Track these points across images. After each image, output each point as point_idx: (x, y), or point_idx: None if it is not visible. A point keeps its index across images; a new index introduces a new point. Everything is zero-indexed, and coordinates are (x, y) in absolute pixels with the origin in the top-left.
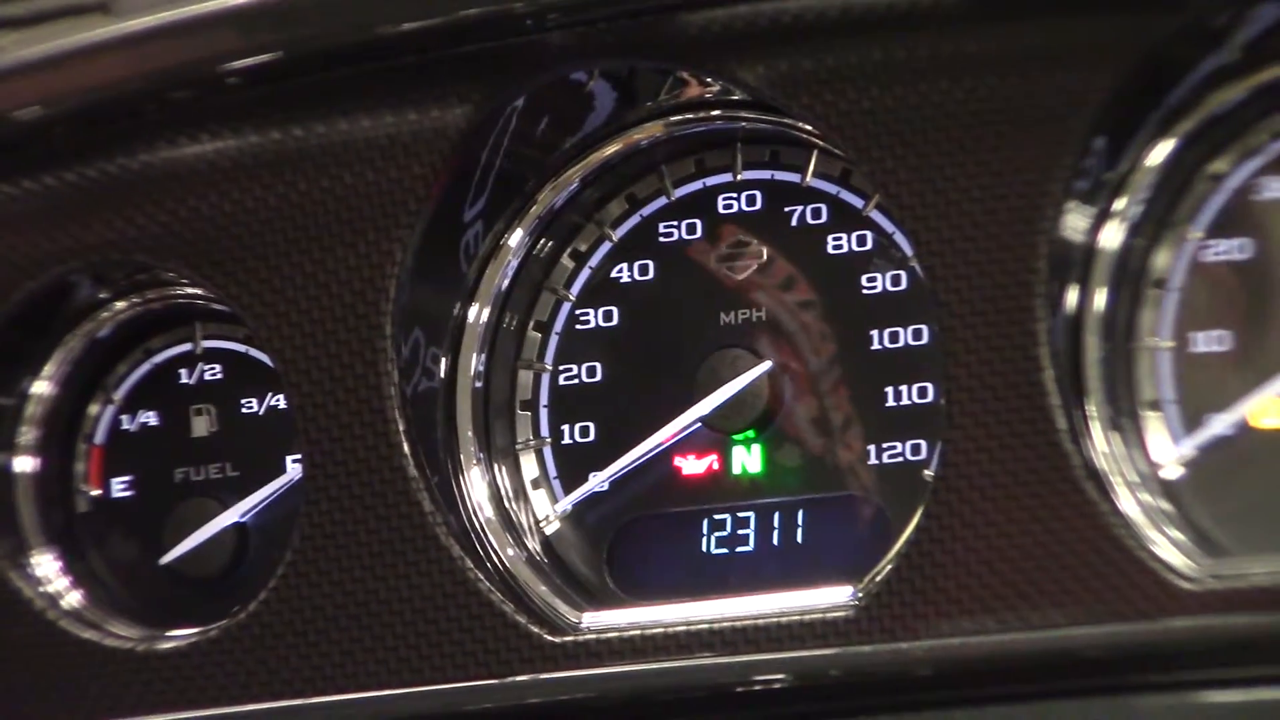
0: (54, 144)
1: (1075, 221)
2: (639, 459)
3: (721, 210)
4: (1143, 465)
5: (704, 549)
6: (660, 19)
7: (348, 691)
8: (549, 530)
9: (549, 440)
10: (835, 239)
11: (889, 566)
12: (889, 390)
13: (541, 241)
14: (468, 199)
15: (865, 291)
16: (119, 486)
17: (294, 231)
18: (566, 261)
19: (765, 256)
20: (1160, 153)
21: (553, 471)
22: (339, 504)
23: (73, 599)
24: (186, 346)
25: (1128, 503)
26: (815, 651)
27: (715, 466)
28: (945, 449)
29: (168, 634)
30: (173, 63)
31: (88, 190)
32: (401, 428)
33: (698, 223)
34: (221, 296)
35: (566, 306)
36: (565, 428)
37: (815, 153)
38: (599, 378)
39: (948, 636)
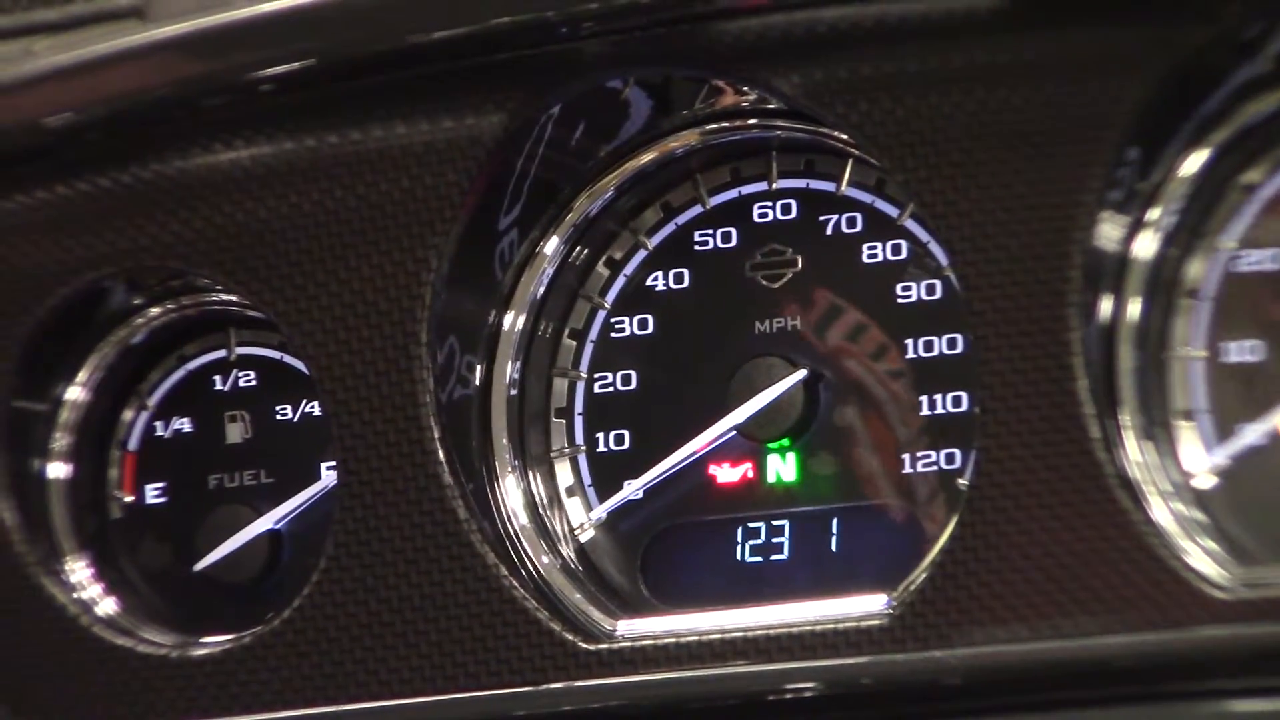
0: (88, 150)
1: (1109, 231)
2: (673, 467)
3: (757, 219)
4: (1175, 475)
5: (738, 557)
6: (695, 28)
7: (381, 699)
8: (583, 538)
9: (584, 448)
10: (870, 248)
11: (923, 575)
12: (923, 399)
13: (577, 249)
14: (503, 207)
15: (900, 300)
16: (152, 493)
17: (329, 238)
18: (602, 269)
19: (800, 265)
20: (1194, 163)
21: (587, 479)
22: (373, 511)
23: (106, 606)
24: (221, 353)
25: (1160, 512)
26: (850, 660)
27: (750, 475)
28: (980, 458)
29: (201, 641)
30: (206, 69)
31: (122, 196)
32: (436, 435)
33: (733, 231)
34: (256, 303)
35: (602, 314)
36: (600, 435)
37: (850, 162)
38: (634, 386)
39: (981, 645)
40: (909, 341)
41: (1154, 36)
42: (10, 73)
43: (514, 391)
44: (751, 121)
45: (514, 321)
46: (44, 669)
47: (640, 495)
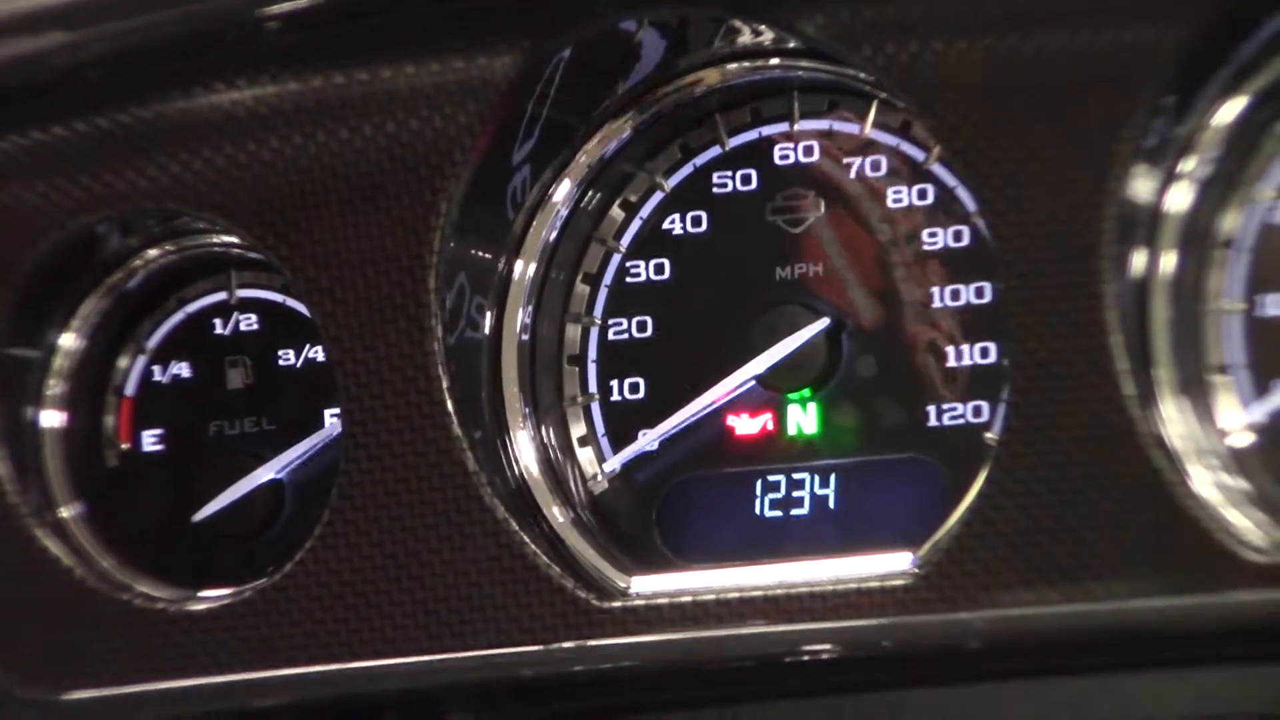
0: (87, 89)
1: (1143, 182)
2: (690, 417)
3: (778, 160)
4: (1211, 432)
5: (757, 511)
6: None
7: (386, 657)
8: (597, 490)
9: (597, 396)
10: (895, 192)
11: (950, 534)
12: (950, 350)
13: (590, 193)
14: (515, 149)
15: (926, 247)
16: (149, 440)
17: (335, 181)
18: (616, 212)
19: (822, 209)
20: (1230, 111)
21: (601, 429)
22: (379, 461)
23: (101, 558)
24: (221, 296)
25: (1195, 472)
26: (873, 620)
27: (770, 426)
28: (1008, 412)
29: (199, 595)
30: (211, 6)
31: (121, 137)
32: (445, 384)
33: (753, 173)
34: (258, 246)
35: (616, 258)
36: (614, 384)
37: (875, 103)
38: (649, 332)
39: (1009, 607)
40: (935, 290)
41: None
42: (9, 8)
43: (525, 337)
44: (773, 61)
45: (525, 268)
46: (37, 623)
47: (655, 446)
